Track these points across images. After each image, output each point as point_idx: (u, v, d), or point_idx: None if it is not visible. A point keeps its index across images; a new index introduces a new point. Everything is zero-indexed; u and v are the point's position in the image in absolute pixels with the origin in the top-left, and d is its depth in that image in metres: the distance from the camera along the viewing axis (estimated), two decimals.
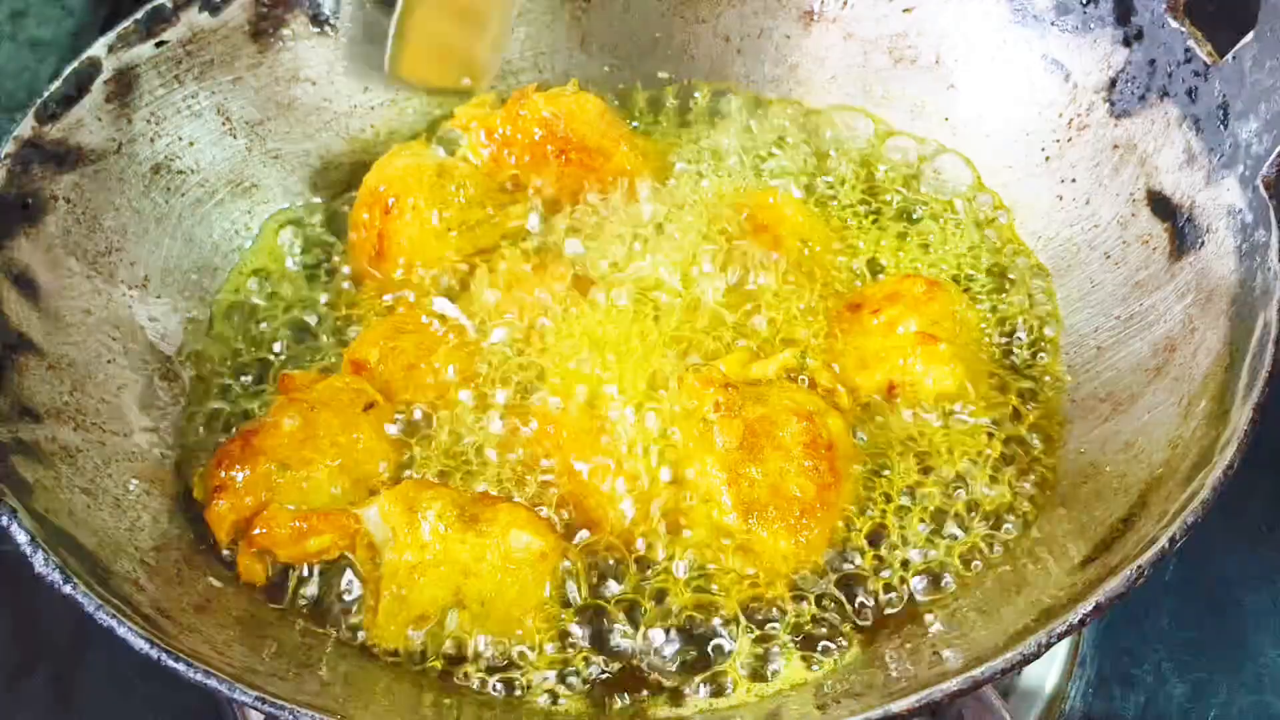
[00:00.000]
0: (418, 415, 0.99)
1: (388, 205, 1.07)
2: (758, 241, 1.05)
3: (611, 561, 0.92)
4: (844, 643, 0.88)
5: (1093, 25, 1.06)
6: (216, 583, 0.91)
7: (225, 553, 0.93)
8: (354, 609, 0.91)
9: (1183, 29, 0.98)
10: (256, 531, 0.90)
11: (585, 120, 1.12)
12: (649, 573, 0.91)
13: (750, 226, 1.07)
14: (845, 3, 1.20)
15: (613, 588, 0.91)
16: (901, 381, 0.98)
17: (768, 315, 1.03)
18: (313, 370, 1.03)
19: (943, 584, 0.91)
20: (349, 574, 0.92)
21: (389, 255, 1.07)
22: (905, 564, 0.91)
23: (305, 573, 0.93)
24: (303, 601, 0.92)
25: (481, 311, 1.04)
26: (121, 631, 0.76)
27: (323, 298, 1.11)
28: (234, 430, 1.01)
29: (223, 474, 0.92)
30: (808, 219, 1.10)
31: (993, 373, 1.01)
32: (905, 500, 0.94)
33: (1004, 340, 1.04)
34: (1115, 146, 1.04)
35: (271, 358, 1.07)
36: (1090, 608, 0.74)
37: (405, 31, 1.08)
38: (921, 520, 0.93)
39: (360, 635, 0.90)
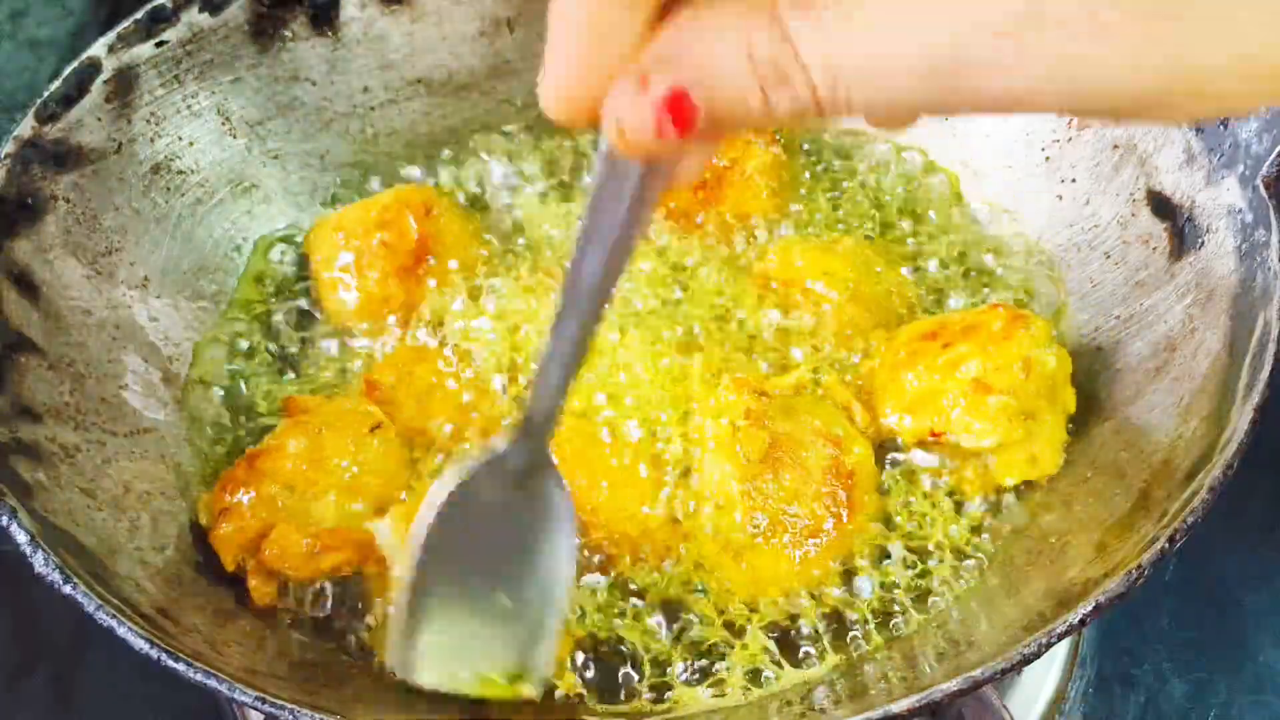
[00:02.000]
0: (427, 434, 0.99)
1: (428, 208, 1.07)
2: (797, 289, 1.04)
3: (613, 564, 0.92)
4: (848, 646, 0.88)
5: None
6: (216, 583, 0.91)
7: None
8: (351, 614, 0.92)
9: None
10: (267, 553, 0.89)
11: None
12: (654, 576, 0.92)
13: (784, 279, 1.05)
14: None
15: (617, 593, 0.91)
16: (943, 430, 0.93)
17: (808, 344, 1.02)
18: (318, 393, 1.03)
19: (934, 595, 0.91)
20: (349, 582, 0.93)
21: (431, 255, 1.07)
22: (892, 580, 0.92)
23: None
24: (306, 604, 0.92)
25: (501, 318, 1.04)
26: (121, 631, 0.76)
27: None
28: (239, 428, 1.02)
29: (227, 498, 0.92)
30: (829, 257, 1.05)
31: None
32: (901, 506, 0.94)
33: None
34: (1115, 146, 1.04)
35: (272, 353, 1.07)
36: (1090, 608, 0.74)
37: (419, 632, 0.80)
38: (914, 523, 0.94)
39: (360, 639, 0.90)
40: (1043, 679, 1.03)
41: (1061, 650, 1.04)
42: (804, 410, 0.95)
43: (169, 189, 1.09)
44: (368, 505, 0.93)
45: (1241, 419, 0.80)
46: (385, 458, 0.95)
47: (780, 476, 0.90)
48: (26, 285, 0.95)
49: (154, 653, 0.75)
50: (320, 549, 0.89)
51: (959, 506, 0.94)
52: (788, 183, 1.14)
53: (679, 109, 0.49)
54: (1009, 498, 0.95)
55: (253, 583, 0.90)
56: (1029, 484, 0.95)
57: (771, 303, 1.04)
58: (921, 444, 0.95)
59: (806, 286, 1.04)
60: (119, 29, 1.05)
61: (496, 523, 0.77)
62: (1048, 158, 1.10)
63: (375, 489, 0.94)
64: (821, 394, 0.98)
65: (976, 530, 0.93)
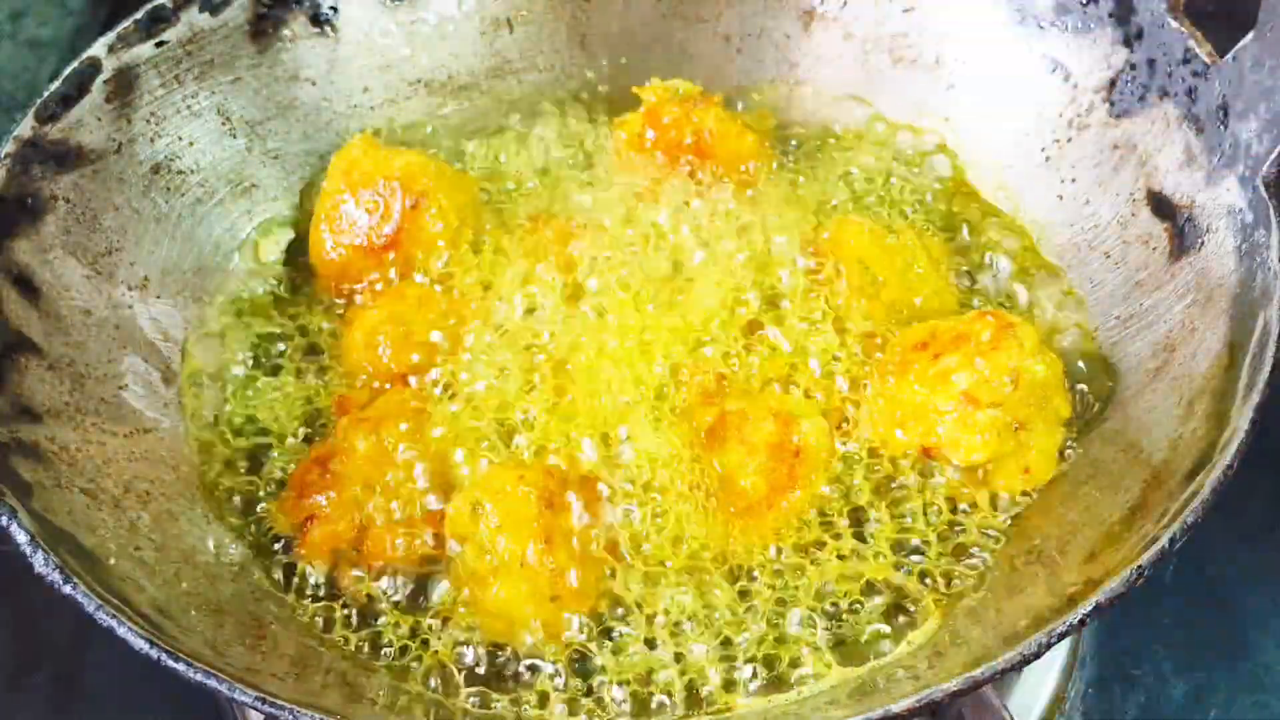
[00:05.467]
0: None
1: (413, 201, 1.06)
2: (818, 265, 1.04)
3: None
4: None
5: (1093, 25, 1.06)
6: (217, 583, 0.91)
7: (226, 553, 0.94)
8: (357, 609, 0.92)
9: (1183, 29, 0.98)
10: (368, 552, 0.92)
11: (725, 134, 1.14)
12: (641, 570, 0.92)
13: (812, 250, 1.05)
14: (845, 3, 1.20)
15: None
16: (935, 446, 0.93)
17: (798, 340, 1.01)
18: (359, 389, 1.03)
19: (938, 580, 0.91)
20: (349, 576, 0.93)
21: (400, 249, 1.07)
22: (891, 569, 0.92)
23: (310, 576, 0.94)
24: (306, 602, 0.92)
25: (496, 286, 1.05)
26: (121, 631, 0.76)
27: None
28: (234, 425, 1.02)
29: (307, 503, 0.93)
30: (874, 246, 1.05)
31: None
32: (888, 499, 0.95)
33: None
34: (1115, 146, 1.04)
35: (272, 355, 1.07)
36: (1090, 608, 0.74)
37: None
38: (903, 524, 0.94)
39: (356, 638, 0.91)
40: (1043, 679, 1.03)
41: (1061, 650, 1.04)
42: (762, 391, 0.97)
43: (169, 189, 1.09)
44: (435, 489, 0.95)
45: (1241, 419, 0.80)
46: (439, 440, 0.97)
47: (724, 449, 0.92)
48: (26, 285, 0.95)
49: (154, 653, 0.75)
50: (414, 540, 0.92)
51: (957, 510, 0.94)
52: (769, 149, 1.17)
53: None
54: (1008, 499, 0.94)
55: (344, 583, 0.92)
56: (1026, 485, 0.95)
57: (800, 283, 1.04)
58: (913, 457, 0.95)
59: (844, 268, 1.03)
60: (119, 29, 1.05)
61: None
62: (1048, 158, 1.10)
63: (439, 472, 0.95)
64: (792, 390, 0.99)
65: (975, 532, 0.93)
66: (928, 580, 0.91)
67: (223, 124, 1.13)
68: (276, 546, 0.95)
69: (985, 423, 0.91)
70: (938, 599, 0.90)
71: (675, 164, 1.12)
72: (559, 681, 0.87)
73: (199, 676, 0.75)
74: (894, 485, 0.95)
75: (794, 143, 1.20)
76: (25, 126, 0.99)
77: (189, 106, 1.10)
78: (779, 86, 1.24)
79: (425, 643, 0.90)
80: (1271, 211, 0.88)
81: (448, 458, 0.96)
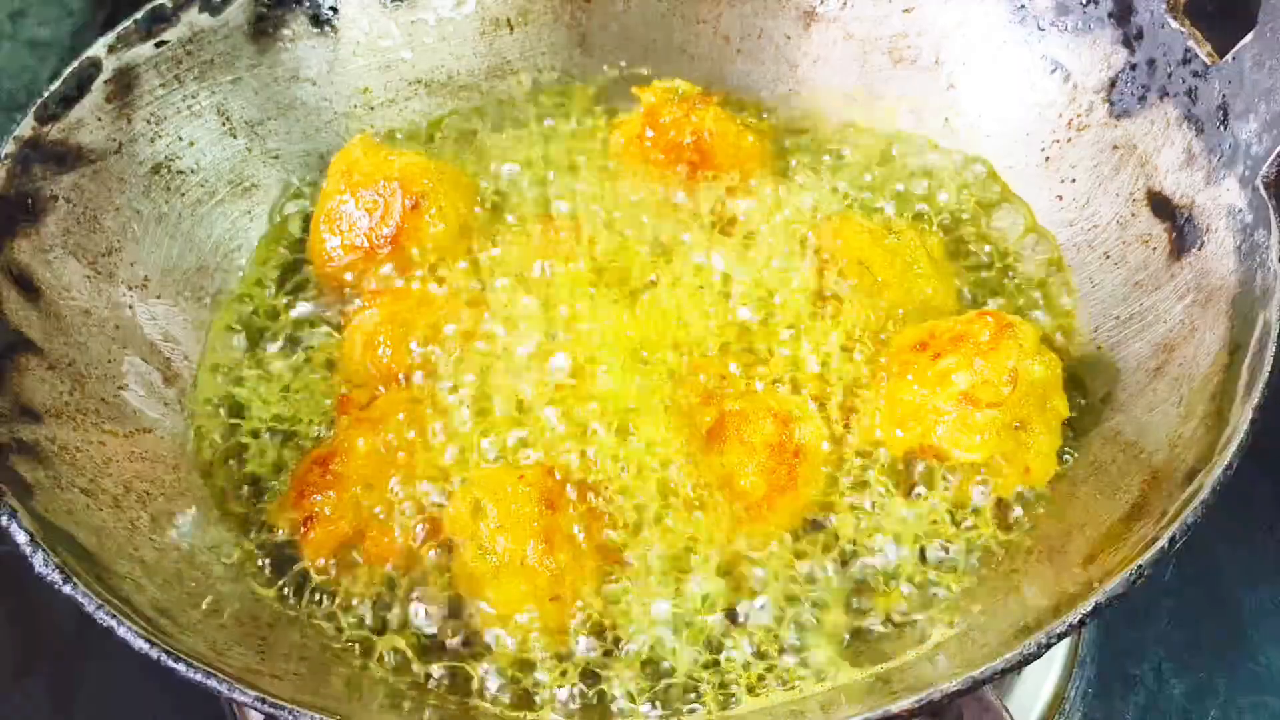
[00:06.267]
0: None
1: (413, 202, 1.06)
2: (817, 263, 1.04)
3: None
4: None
5: (1093, 25, 1.06)
6: (217, 583, 0.91)
7: (225, 559, 0.94)
8: (356, 609, 0.92)
9: (1183, 29, 0.98)
10: (369, 552, 0.92)
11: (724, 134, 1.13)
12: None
13: (814, 247, 1.05)
14: (845, 3, 1.20)
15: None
16: (935, 446, 0.93)
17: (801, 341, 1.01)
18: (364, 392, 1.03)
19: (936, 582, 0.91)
20: (349, 577, 0.93)
21: (400, 250, 1.07)
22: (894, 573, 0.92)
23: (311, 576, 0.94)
24: (305, 603, 0.92)
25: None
26: (121, 631, 0.76)
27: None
28: (241, 428, 1.02)
29: (308, 503, 0.93)
30: (875, 246, 1.04)
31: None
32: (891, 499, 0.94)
33: None
34: (1115, 147, 1.05)
35: (273, 355, 1.07)
36: (1090, 608, 0.74)
37: None
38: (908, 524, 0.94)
39: (355, 638, 0.91)
40: (1043, 679, 1.03)
41: (1061, 650, 1.04)
42: (762, 391, 0.97)
43: (169, 189, 1.09)
44: (435, 489, 0.95)
45: (1241, 419, 0.80)
46: (439, 440, 0.97)
47: (724, 449, 0.93)
48: (26, 285, 0.95)
49: (154, 653, 0.75)
50: (414, 540, 0.92)
51: (956, 510, 0.94)
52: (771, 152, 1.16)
53: None
54: (1008, 500, 0.94)
55: (344, 583, 0.92)
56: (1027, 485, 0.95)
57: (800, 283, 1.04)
58: (912, 457, 0.95)
59: (844, 268, 1.03)
60: (119, 29, 1.05)
61: None
62: (1048, 158, 1.10)
63: (439, 471, 0.95)
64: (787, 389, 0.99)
65: (975, 532, 0.93)
66: (929, 581, 0.91)
67: (223, 124, 1.13)
68: (277, 546, 0.95)
69: (984, 423, 0.91)
70: (938, 600, 0.90)
71: (674, 164, 1.12)
72: (558, 682, 0.87)
73: (199, 676, 0.75)
74: (893, 486, 0.95)
75: (793, 142, 1.20)
76: (25, 126, 0.99)
77: (189, 106, 1.10)
78: (779, 86, 1.24)
79: (425, 642, 0.90)
80: (1271, 211, 0.88)
81: (448, 457, 0.96)
